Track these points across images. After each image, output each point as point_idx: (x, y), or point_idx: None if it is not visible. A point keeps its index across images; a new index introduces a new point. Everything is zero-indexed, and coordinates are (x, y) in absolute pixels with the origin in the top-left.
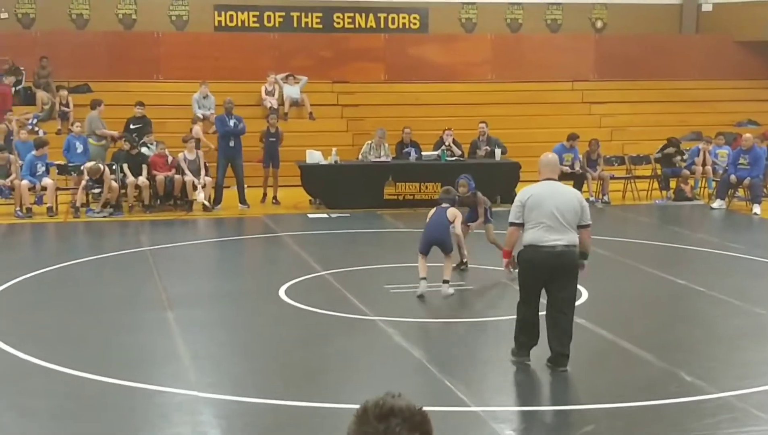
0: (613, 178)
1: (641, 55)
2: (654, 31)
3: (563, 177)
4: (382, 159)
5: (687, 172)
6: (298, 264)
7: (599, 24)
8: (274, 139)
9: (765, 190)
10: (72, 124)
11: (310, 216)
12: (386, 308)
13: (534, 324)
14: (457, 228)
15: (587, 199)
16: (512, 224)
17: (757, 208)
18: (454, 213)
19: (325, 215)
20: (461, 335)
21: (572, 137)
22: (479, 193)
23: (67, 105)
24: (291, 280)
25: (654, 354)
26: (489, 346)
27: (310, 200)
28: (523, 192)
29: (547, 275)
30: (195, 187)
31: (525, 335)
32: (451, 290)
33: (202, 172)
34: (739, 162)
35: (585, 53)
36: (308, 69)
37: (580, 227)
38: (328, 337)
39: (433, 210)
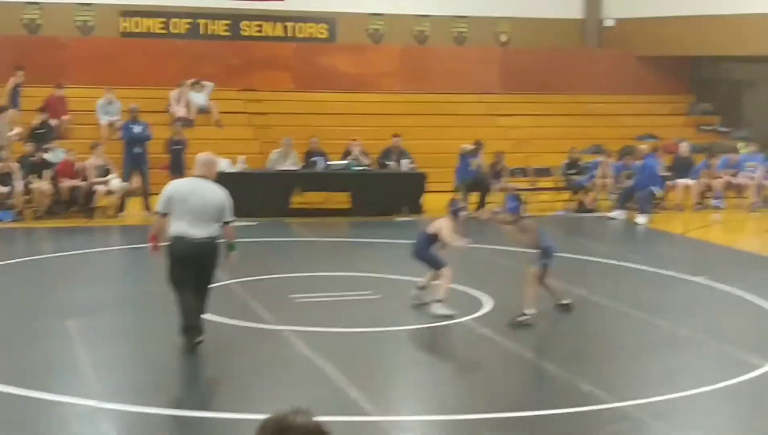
0: (517, 189)
1: (545, 69)
2: (557, 45)
3: (472, 185)
4: (290, 168)
5: (588, 185)
6: None
7: (503, 37)
8: (179, 147)
9: (663, 203)
10: None
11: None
12: (292, 318)
13: (194, 308)
14: (446, 237)
15: (493, 211)
16: (157, 213)
17: (641, 218)
18: (438, 225)
19: None
20: (367, 345)
21: (477, 143)
22: (526, 220)
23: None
24: None
25: (556, 364)
26: (394, 355)
27: None
28: (172, 184)
29: (192, 263)
30: (106, 184)
31: (190, 319)
32: (441, 310)
33: (112, 174)
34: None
35: (490, 66)
36: (216, 76)
37: (225, 223)
38: (233, 346)
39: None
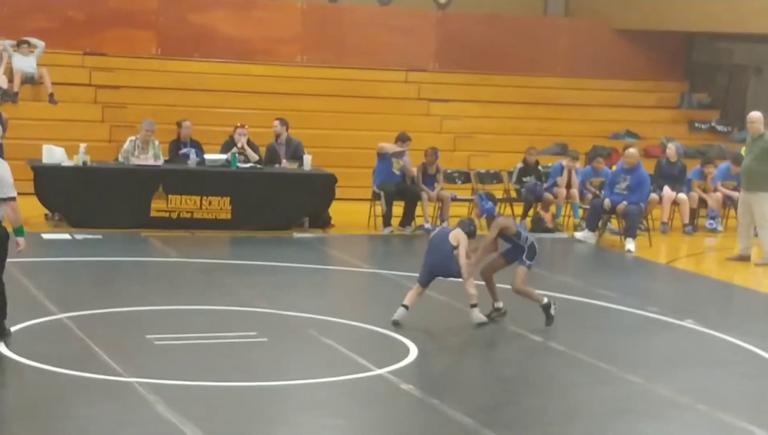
0: (455, 199)
1: (494, 42)
2: (512, 11)
3: (395, 193)
4: (150, 162)
5: (549, 195)
6: (25, 303)
7: None
8: None
9: (644, 223)
10: None
11: (45, 237)
12: (148, 367)
13: None
14: (461, 256)
15: (420, 226)
16: None
17: (630, 244)
18: (457, 236)
19: (68, 236)
20: (249, 405)
21: (402, 138)
22: (500, 218)
23: None
24: (15, 326)
25: (498, 433)
26: (284, 420)
27: (46, 215)
28: None
29: None
30: None
31: None
32: (482, 316)
33: None
34: (618, 184)
35: (424, 35)
36: (50, 34)
37: (3, 201)
38: (67, 404)
39: (435, 231)
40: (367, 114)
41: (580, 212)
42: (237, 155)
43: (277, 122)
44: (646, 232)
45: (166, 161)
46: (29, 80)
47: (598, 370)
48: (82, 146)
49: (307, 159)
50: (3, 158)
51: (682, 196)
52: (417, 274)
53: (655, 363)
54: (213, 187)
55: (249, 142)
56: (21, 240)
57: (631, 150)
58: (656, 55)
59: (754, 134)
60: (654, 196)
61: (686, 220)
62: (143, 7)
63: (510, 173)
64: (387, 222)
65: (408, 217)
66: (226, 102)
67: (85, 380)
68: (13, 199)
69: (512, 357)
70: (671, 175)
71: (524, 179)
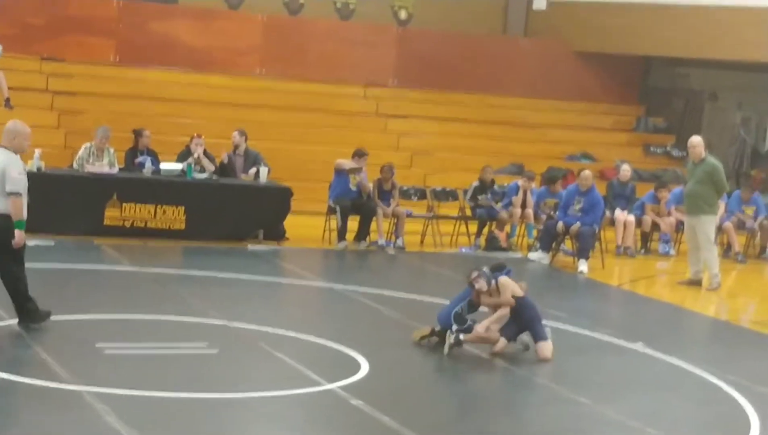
0: (410, 215)
1: (454, 60)
2: (472, 30)
3: (351, 208)
4: (105, 169)
5: (504, 215)
6: None
7: (403, 14)
8: None
9: (597, 243)
10: None
11: None
12: (97, 376)
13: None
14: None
15: (374, 242)
16: None
17: (583, 266)
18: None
19: None
20: (198, 416)
21: (359, 153)
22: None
23: None
24: None
25: None
26: (235, 429)
27: None
28: None
29: None
30: None
31: None
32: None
33: None
34: (572, 206)
35: (383, 51)
36: (8, 39)
37: (7, 195)
38: (14, 412)
39: None
40: (325, 128)
41: (535, 232)
42: (193, 165)
43: (236, 133)
44: (599, 253)
45: (121, 169)
46: None
47: (548, 390)
48: (37, 152)
49: (264, 171)
50: None
51: (630, 217)
52: (371, 290)
53: (604, 385)
54: (168, 197)
55: (205, 153)
56: (19, 233)
57: (586, 172)
58: (613, 78)
59: (696, 158)
60: (607, 216)
61: (629, 242)
62: (103, 14)
63: (465, 191)
64: (342, 236)
65: (363, 233)
66: (183, 112)
67: (33, 388)
68: (15, 194)
69: (462, 375)
70: (622, 195)
71: (479, 198)
